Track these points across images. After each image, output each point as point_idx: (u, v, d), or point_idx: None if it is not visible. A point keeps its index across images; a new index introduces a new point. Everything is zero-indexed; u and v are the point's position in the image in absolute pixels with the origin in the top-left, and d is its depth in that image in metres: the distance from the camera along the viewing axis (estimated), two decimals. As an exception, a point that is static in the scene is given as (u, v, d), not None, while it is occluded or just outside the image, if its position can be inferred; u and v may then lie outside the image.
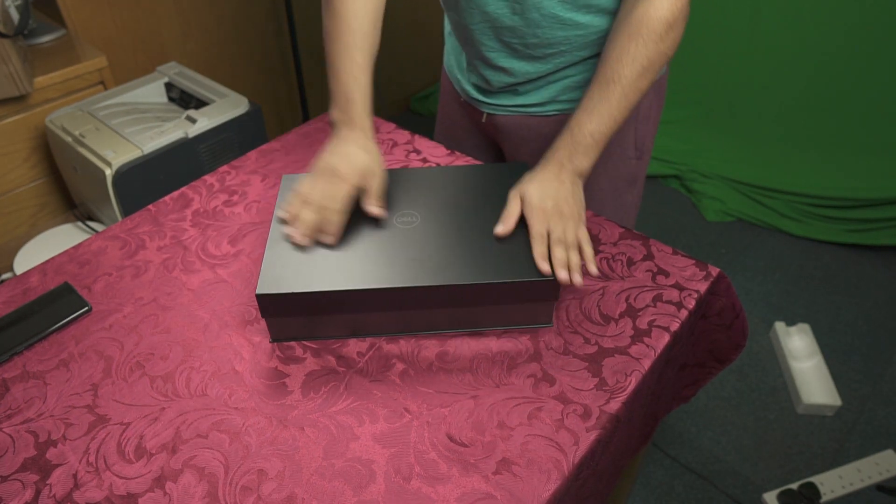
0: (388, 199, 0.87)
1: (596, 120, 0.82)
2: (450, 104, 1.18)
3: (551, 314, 0.80)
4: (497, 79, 1.00)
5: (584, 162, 0.84)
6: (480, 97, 1.06)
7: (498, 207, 0.84)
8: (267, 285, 0.74)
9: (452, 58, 1.11)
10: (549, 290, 0.76)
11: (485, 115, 1.08)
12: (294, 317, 0.77)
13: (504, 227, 0.80)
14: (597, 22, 0.89)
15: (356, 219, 0.84)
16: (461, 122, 1.18)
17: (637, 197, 1.12)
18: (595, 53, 0.93)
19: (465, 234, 0.81)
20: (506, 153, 1.14)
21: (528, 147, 1.06)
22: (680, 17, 0.79)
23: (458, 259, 0.77)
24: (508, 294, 0.76)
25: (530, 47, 0.93)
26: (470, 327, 0.81)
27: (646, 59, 0.80)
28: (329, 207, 0.79)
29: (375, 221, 0.84)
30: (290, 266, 0.77)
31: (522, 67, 0.96)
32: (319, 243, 0.80)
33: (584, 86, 0.96)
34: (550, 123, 1.02)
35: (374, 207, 0.83)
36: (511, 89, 1.01)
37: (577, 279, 0.76)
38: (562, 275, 0.75)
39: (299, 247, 0.79)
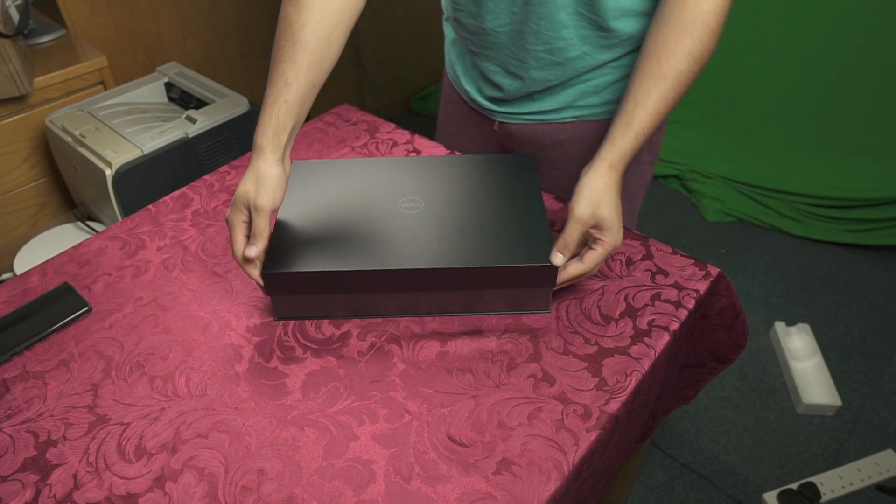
0: (394, 184, 0.89)
1: (655, 120, 0.79)
2: (455, 111, 1.15)
3: (549, 300, 0.81)
4: (513, 86, 0.97)
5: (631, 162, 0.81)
6: (493, 106, 1.04)
7: (500, 196, 0.86)
8: (273, 264, 0.77)
9: (458, 66, 1.08)
10: (546, 276, 0.78)
11: (497, 124, 1.06)
12: (298, 295, 0.80)
13: (564, 257, 0.76)
14: (621, 26, 0.87)
15: (361, 204, 0.86)
16: (469, 129, 1.15)
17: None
18: (614, 58, 0.91)
19: (467, 221, 0.82)
20: None
21: (544, 154, 1.04)
22: (727, 11, 0.78)
23: (459, 244, 0.79)
24: (507, 278, 0.77)
25: (553, 52, 0.90)
26: (469, 311, 0.82)
27: (698, 54, 0.78)
28: (233, 253, 0.77)
29: (380, 207, 0.85)
30: (296, 246, 0.79)
31: (541, 75, 0.94)
32: (325, 225, 0.82)
33: (602, 90, 0.94)
34: (567, 130, 1.00)
35: (248, 249, 0.74)
36: (526, 96, 0.99)
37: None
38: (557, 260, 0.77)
39: (306, 229, 0.82)
